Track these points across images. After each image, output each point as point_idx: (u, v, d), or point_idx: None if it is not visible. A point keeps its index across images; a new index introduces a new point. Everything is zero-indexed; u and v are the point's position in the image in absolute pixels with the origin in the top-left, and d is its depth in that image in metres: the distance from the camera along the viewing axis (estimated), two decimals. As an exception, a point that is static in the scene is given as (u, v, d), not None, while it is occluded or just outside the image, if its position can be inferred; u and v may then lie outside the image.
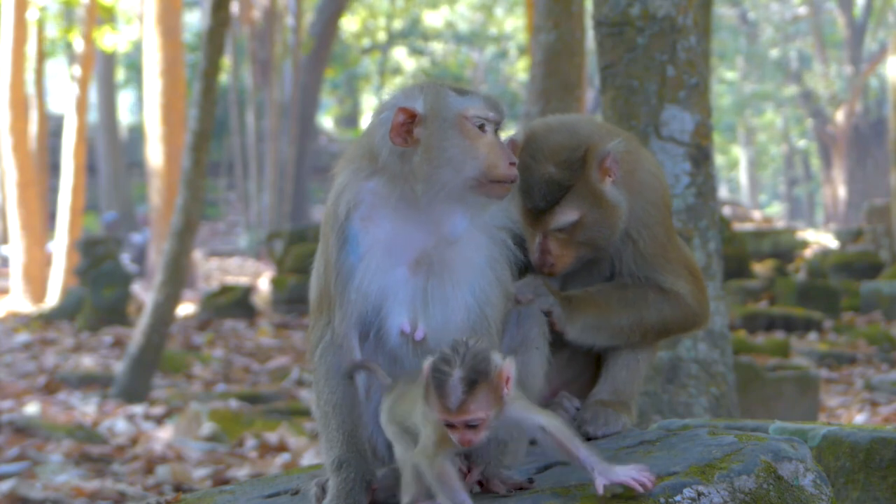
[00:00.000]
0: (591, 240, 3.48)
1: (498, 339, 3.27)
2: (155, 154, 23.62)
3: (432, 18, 50.42)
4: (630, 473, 2.81)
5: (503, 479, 3.09)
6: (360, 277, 3.20)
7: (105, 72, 33.71)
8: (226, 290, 21.32)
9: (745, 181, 59.77)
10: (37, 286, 23.67)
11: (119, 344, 17.19)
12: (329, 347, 3.23)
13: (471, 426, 2.77)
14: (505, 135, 3.39)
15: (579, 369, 3.63)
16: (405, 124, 3.17)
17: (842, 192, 45.63)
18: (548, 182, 3.43)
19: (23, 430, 11.47)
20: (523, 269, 3.51)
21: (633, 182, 3.52)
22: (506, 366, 2.81)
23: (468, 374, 2.76)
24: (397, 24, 48.59)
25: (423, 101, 3.19)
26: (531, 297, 3.37)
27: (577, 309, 3.48)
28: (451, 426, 2.79)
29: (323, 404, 3.22)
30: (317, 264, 3.32)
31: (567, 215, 3.45)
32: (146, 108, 24.18)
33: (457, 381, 2.76)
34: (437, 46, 50.63)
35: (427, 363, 2.84)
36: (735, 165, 61.22)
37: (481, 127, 3.17)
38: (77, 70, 23.93)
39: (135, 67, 39.29)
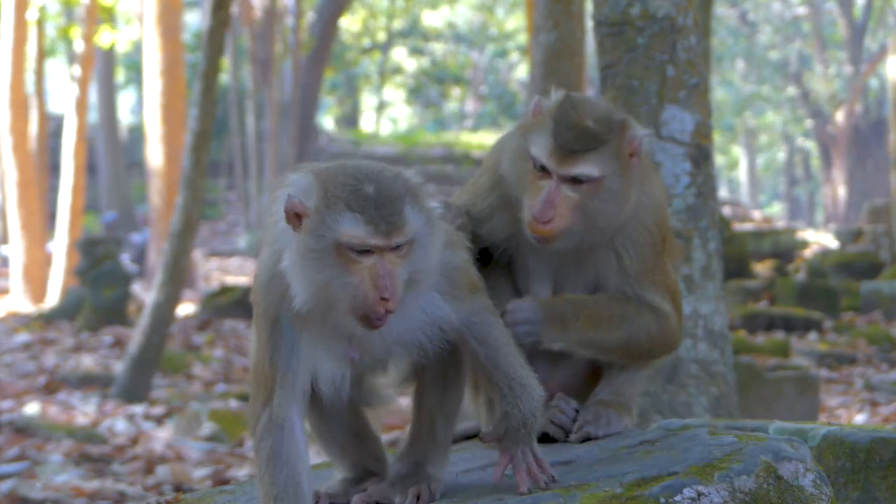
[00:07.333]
0: (595, 212, 3.39)
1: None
2: (155, 154, 23.62)
3: (432, 18, 50.45)
4: None
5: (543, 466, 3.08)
6: (296, 359, 2.95)
7: (105, 72, 33.71)
8: (226, 290, 21.32)
9: (745, 181, 59.77)
10: (37, 286, 23.65)
11: (119, 344, 17.18)
12: (268, 428, 2.95)
13: None
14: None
15: (575, 371, 3.63)
16: (296, 214, 2.83)
17: (842, 192, 45.63)
18: (585, 129, 3.36)
19: (23, 430, 11.46)
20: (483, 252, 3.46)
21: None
22: None
23: None
24: (397, 24, 48.60)
25: (314, 198, 2.82)
26: (515, 323, 3.35)
27: (565, 323, 3.44)
28: None
29: (264, 494, 2.95)
30: (253, 334, 3.02)
31: (593, 167, 3.36)
32: (146, 108, 24.16)
33: None
34: (437, 46, 50.66)
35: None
36: (735, 165, 61.22)
37: (362, 252, 2.78)
38: (77, 70, 23.91)
39: (135, 67, 39.28)
